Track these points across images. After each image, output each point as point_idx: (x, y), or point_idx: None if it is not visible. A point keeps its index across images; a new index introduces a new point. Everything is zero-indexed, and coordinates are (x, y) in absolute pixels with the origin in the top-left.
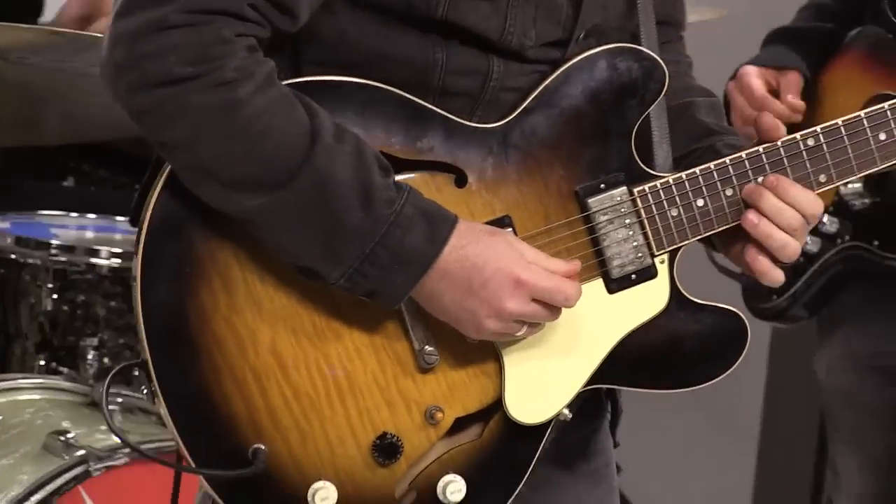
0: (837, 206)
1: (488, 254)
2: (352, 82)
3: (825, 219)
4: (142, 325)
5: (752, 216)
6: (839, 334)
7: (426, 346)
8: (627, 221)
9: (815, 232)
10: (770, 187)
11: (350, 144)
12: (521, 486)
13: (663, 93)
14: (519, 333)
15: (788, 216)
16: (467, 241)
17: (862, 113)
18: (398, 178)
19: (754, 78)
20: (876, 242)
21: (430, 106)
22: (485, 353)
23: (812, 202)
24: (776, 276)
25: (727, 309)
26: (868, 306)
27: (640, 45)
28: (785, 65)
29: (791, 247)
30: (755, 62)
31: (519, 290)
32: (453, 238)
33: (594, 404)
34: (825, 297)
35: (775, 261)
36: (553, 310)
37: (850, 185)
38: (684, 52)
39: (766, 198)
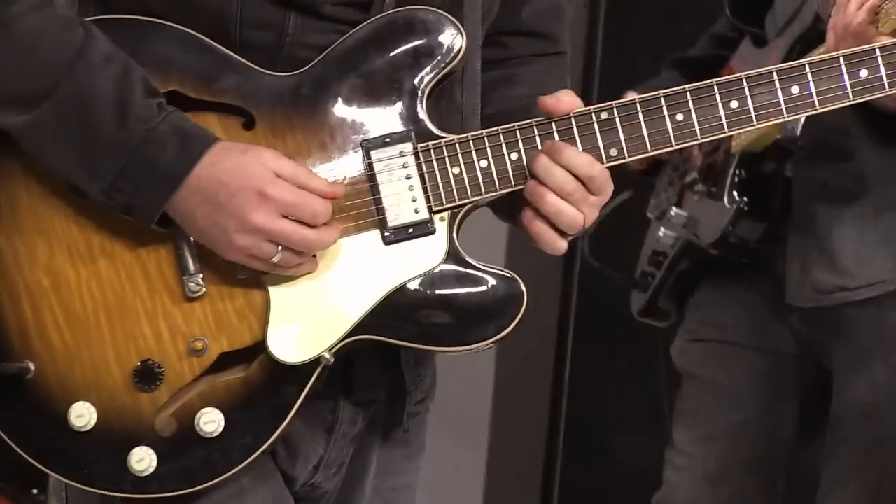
0: (683, 198)
1: (237, 170)
2: (152, 22)
3: (672, 211)
4: None
5: (531, 184)
6: (689, 321)
7: (193, 276)
8: (407, 175)
9: (669, 225)
10: (545, 150)
11: (118, 66)
12: (282, 427)
13: (459, 57)
14: (275, 259)
15: (559, 177)
16: (219, 159)
17: (661, 92)
18: (190, 116)
19: None
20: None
21: (229, 52)
22: (253, 290)
23: (585, 164)
24: (553, 242)
25: (506, 273)
26: (716, 293)
27: (461, 20)
28: None
29: (567, 214)
30: (643, 87)
31: (264, 203)
32: (206, 157)
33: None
34: (684, 290)
35: (556, 230)
36: (303, 230)
37: (690, 175)
38: (562, 71)
39: (539, 160)
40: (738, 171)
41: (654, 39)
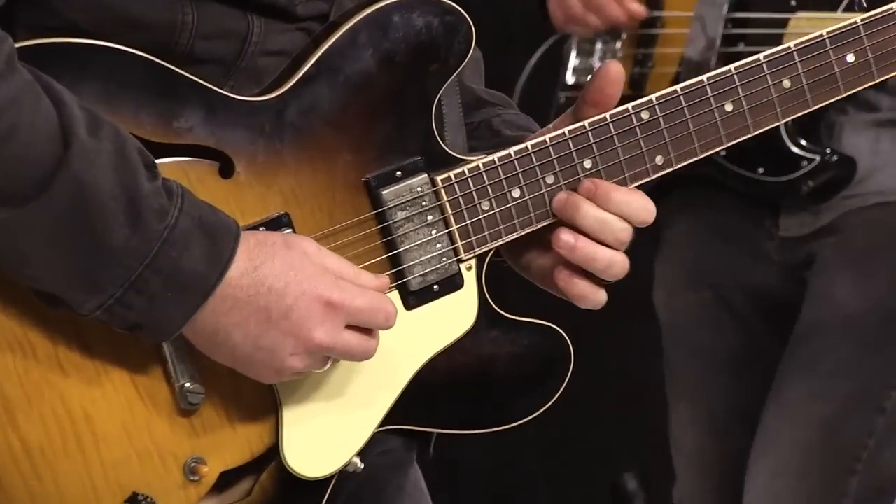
0: None
1: (288, 274)
2: (89, 45)
3: None
4: None
5: (566, 237)
6: (678, 264)
7: (188, 383)
8: (430, 219)
9: None
10: (588, 194)
11: (108, 139)
12: None
13: (469, 54)
14: (321, 370)
15: (615, 229)
16: (261, 258)
17: (704, 77)
18: None
19: None
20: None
21: (187, 74)
22: (258, 390)
23: (643, 207)
24: (599, 299)
25: (546, 325)
26: (707, 233)
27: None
28: None
29: (619, 264)
30: None
31: (331, 314)
32: (241, 256)
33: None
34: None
35: (597, 281)
36: (370, 336)
37: None
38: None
39: (584, 210)
40: None
41: None
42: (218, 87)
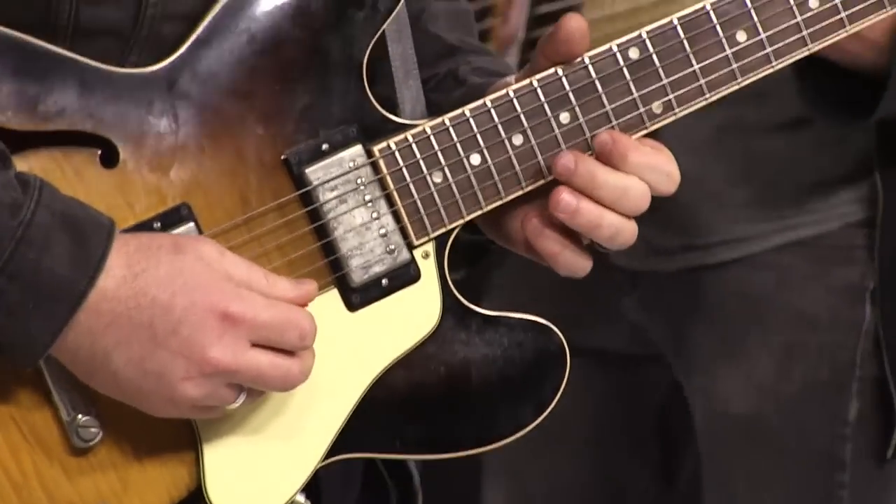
0: None
1: (176, 282)
2: None
3: None
4: None
5: (567, 197)
6: None
7: (79, 416)
8: (368, 197)
9: None
10: (602, 150)
11: None
12: None
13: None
14: (235, 405)
15: (636, 197)
16: (143, 265)
17: (707, 3)
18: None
19: None
20: None
21: (51, 47)
22: (173, 423)
23: (668, 174)
24: (577, 261)
25: (531, 320)
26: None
27: None
28: None
29: (627, 232)
30: None
31: (229, 330)
32: (115, 261)
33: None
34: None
35: (579, 244)
36: (285, 363)
37: None
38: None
39: (601, 179)
40: None
41: None
42: (115, 64)
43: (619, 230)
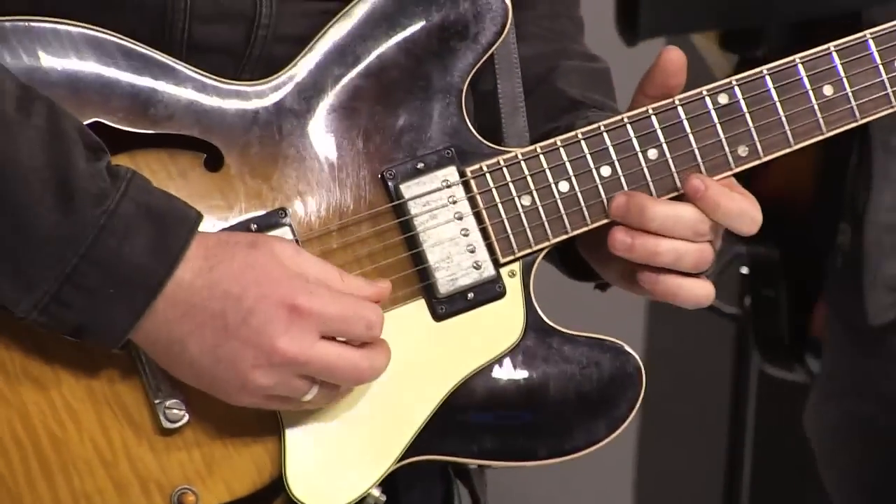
0: None
1: (249, 275)
2: (45, 23)
3: None
4: None
5: (621, 237)
6: None
7: (168, 399)
8: (457, 214)
9: None
10: (696, 198)
11: (41, 116)
12: None
13: (505, 32)
14: (308, 397)
15: (690, 223)
16: (219, 258)
17: (797, 57)
18: (121, 161)
19: None
20: None
21: (166, 58)
22: (259, 411)
23: (752, 219)
24: (699, 293)
25: (610, 342)
26: None
27: None
28: None
29: (692, 254)
30: None
31: (297, 322)
32: (194, 253)
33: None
34: None
35: (681, 274)
36: (353, 355)
37: None
38: (572, 6)
39: (651, 213)
40: None
41: None
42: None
43: (680, 254)
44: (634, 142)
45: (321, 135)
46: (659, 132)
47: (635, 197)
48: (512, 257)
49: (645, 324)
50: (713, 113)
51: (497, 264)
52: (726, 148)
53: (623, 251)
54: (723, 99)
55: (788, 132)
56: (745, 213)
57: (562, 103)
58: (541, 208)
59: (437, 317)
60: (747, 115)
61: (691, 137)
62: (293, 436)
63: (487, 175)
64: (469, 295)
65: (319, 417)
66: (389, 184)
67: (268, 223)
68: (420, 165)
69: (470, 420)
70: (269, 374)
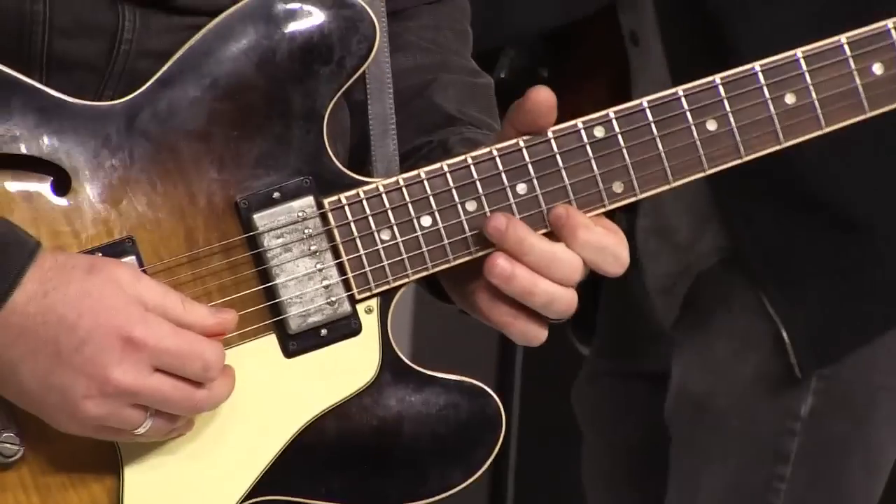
0: None
1: (85, 302)
2: None
3: None
4: None
5: (503, 263)
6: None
7: (2, 433)
8: (314, 248)
9: None
10: (556, 226)
11: None
12: None
13: (371, 57)
14: (141, 429)
15: (567, 269)
16: (54, 283)
17: (680, 90)
18: None
19: None
20: None
21: (15, 75)
22: (97, 445)
23: (617, 257)
24: (532, 332)
25: (470, 383)
26: None
27: None
28: None
29: (564, 301)
30: None
31: (130, 353)
32: (31, 278)
33: None
34: None
35: (535, 315)
36: (187, 388)
37: None
38: (459, 19)
39: (528, 244)
40: None
41: None
42: (90, 98)
43: (554, 298)
44: (503, 175)
45: (174, 160)
46: (529, 166)
47: (515, 224)
48: (369, 294)
49: None
50: (588, 147)
51: (353, 300)
52: (600, 184)
53: (500, 279)
54: (599, 132)
55: (668, 168)
56: (607, 248)
57: (436, 118)
58: (401, 243)
59: (288, 353)
60: (624, 150)
61: (563, 172)
62: (132, 473)
63: (346, 207)
64: (322, 332)
65: (160, 452)
66: (243, 214)
67: (114, 252)
68: (276, 195)
69: (319, 460)
70: (101, 404)
